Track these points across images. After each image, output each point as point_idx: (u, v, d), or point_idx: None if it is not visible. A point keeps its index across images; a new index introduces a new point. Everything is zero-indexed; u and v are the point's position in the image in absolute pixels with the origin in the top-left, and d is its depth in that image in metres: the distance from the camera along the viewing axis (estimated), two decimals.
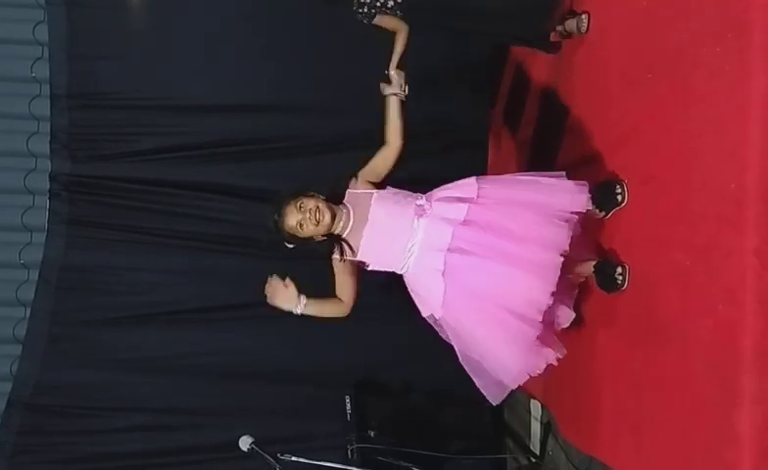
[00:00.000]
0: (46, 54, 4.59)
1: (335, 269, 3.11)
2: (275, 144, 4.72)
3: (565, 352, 2.99)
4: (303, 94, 4.70)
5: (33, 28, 4.64)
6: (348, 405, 4.46)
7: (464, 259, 2.88)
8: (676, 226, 2.60)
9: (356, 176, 3.03)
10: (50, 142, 4.58)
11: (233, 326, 4.70)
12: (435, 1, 3.52)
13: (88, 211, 4.63)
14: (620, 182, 2.97)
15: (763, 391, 2.23)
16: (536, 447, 4.45)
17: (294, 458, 3.77)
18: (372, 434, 4.37)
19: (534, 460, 4.47)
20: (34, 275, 4.61)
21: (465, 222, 2.87)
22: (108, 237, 4.64)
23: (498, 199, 2.89)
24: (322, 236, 3.00)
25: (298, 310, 3.12)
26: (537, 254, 2.78)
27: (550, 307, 2.80)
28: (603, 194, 3.01)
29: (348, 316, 3.18)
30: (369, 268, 3.12)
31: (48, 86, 4.58)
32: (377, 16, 3.52)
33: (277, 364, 4.72)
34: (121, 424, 4.61)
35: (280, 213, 2.92)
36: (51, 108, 4.57)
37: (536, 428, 4.45)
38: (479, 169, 4.58)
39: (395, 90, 3.07)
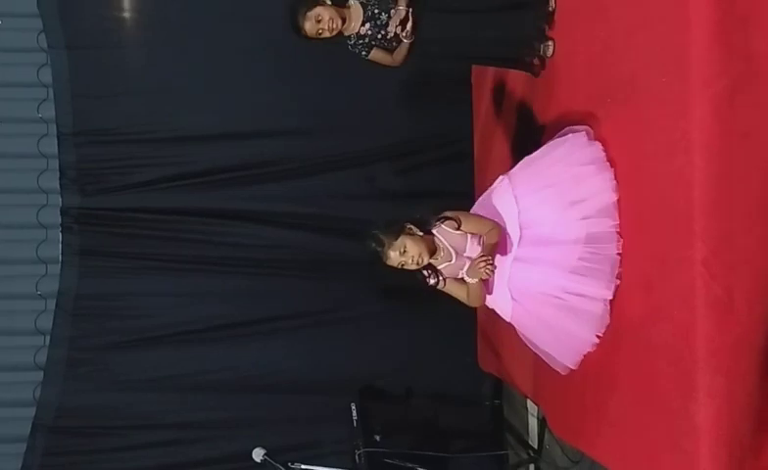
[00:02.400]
0: (51, 95, 4.82)
1: (445, 289, 3.20)
2: (276, 167, 4.95)
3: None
4: (301, 118, 4.91)
5: (38, 71, 4.85)
6: (353, 412, 4.64)
7: (527, 295, 3.12)
8: (638, 239, 2.82)
9: (456, 220, 3.11)
10: (59, 178, 4.83)
11: (241, 343, 4.92)
12: (435, 34, 3.62)
13: (99, 241, 4.87)
14: None
15: (715, 386, 2.46)
16: (534, 442, 4.62)
17: (304, 466, 3.96)
18: (378, 438, 4.53)
19: (532, 454, 4.66)
20: (51, 305, 4.84)
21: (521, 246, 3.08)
22: (119, 265, 4.88)
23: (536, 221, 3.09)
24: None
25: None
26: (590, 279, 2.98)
27: None
28: None
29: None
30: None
31: (54, 125, 4.82)
32: (374, 49, 3.63)
33: (284, 377, 4.92)
34: (140, 441, 4.85)
35: (383, 252, 3.02)
36: (58, 146, 4.82)
37: (533, 424, 4.62)
38: (466, 178, 4.83)
39: None
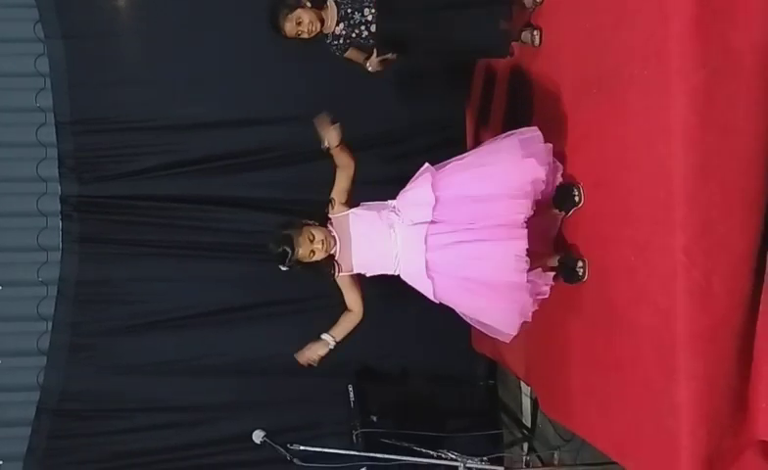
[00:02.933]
0: (48, 84, 4.87)
1: (339, 284, 3.38)
2: (272, 154, 5.01)
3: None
4: (297, 105, 4.83)
5: (35, 61, 4.89)
6: (351, 394, 4.76)
7: (443, 253, 3.20)
8: (621, 226, 2.90)
9: (331, 202, 3.30)
10: (58, 167, 4.89)
11: (240, 327, 5.00)
12: (408, 36, 3.72)
13: (98, 228, 4.94)
14: (576, 185, 3.26)
15: (695, 368, 2.55)
16: (527, 421, 4.73)
17: (303, 447, 4.07)
18: (375, 419, 4.64)
19: (526, 433, 4.76)
20: (53, 291, 4.93)
21: (434, 221, 3.18)
22: (118, 251, 4.96)
23: (457, 193, 3.21)
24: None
25: (331, 345, 3.48)
26: (502, 232, 3.11)
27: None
28: (562, 195, 3.30)
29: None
30: (368, 276, 3.40)
31: (52, 114, 4.88)
32: (350, 49, 3.73)
33: (283, 360, 4.84)
34: (142, 423, 4.95)
35: (293, 247, 3.15)
36: (57, 134, 4.88)
37: (526, 403, 4.73)
38: None
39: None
